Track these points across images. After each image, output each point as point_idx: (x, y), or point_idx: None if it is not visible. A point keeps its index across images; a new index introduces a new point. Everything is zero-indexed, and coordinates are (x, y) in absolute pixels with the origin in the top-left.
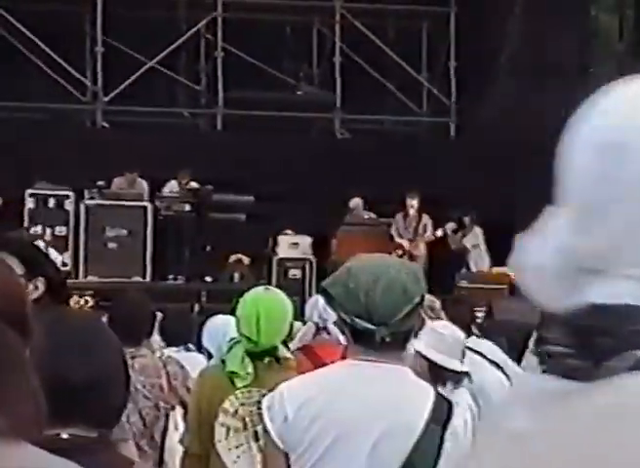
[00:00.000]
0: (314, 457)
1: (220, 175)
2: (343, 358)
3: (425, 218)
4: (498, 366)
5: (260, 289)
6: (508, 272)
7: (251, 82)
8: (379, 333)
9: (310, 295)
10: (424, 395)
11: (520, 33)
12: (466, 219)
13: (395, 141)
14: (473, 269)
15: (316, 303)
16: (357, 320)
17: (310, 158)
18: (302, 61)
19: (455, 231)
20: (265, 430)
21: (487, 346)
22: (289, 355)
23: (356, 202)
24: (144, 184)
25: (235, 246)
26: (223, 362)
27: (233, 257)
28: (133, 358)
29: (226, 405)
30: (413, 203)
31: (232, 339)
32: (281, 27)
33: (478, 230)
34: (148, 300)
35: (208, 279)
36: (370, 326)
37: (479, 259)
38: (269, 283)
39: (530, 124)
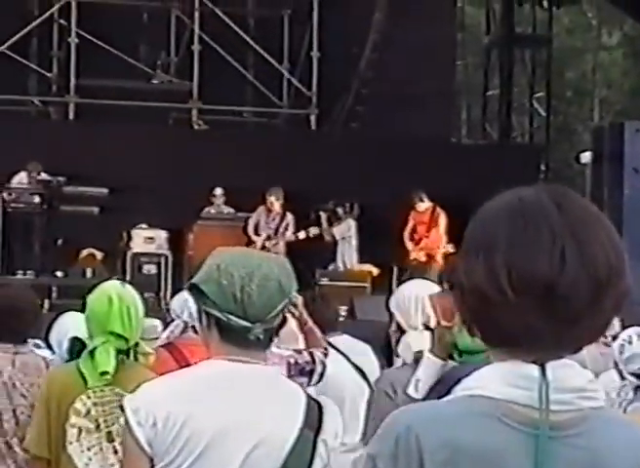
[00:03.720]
0: (184, 466)
1: (73, 166)
2: (209, 357)
3: (289, 217)
4: (357, 368)
5: (118, 283)
6: (371, 269)
7: (105, 70)
8: (253, 331)
9: (166, 292)
10: (297, 399)
11: (386, 23)
12: (340, 210)
13: (255, 133)
14: (339, 262)
15: (186, 301)
16: (232, 317)
17: (167, 149)
18: (160, 49)
19: (329, 222)
20: (132, 434)
21: (350, 345)
22: (150, 350)
23: (220, 192)
24: None
25: (88, 240)
26: (71, 359)
27: (85, 252)
28: (15, 354)
29: (78, 405)
30: (271, 200)
31: (77, 338)
32: (138, 13)
33: (352, 222)
34: (34, 294)
35: (59, 274)
36: (246, 323)
37: (347, 253)
38: (124, 278)
39: (389, 120)
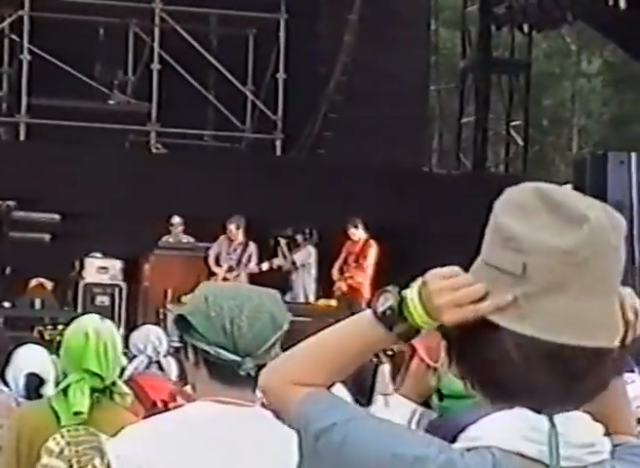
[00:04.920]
0: None
1: (23, 190)
2: (172, 395)
3: (252, 247)
4: None
5: (96, 318)
6: (334, 304)
7: (58, 89)
8: (244, 366)
9: (119, 324)
10: (290, 442)
11: (355, 45)
12: (299, 237)
13: (216, 158)
14: (300, 292)
15: (148, 335)
16: (221, 351)
17: (123, 174)
18: (117, 68)
19: (288, 249)
20: None
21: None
22: (127, 390)
23: (178, 220)
24: None
25: (38, 269)
26: (28, 396)
27: (34, 282)
28: None
29: (51, 444)
30: (231, 228)
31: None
32: (94, 29)
33: (312, 249)
34: (3, 330)
35: (6, 304)
36: (236, 357)
37: (307, 281)
38: (75, 310)
39: (357, 146)
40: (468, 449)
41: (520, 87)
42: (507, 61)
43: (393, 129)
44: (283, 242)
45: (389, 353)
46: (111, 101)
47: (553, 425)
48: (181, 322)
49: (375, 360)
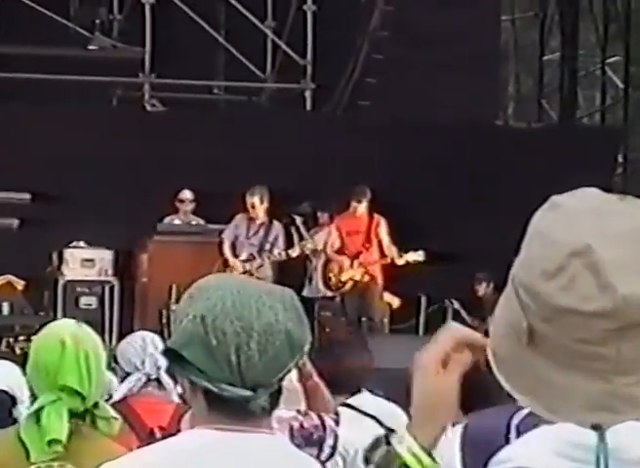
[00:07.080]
0: None
1: None
2: (173, 418)
3: (277, 227)
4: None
5: (72, 322)
6: (391, 300)
7: (25, 33)
8: (255, 401)
9: (111, 332)
10: None
11: None
12: (325, 215)
13: (229, 116)
14: (318, 280)
15: (145, 347)
16: (227, 387)
17: (110, 139)
18: (98, 4)
19: (306, 229)
20: None
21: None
22: (114, 414)
23: (189, 196)
24: None
25: (3, 263)
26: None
27: (0, 280)
28: None
29: None
30: (254, 201)
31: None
32: None
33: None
34: None
35: None
36: (245, 392)
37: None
38: (54, 315)
39: (410, 95)
40: None
41: (617, 13)
42: None
43: (456, 72)
44: (299, 220)
45: None
46: (93, 47)
47: (602, 440)
48: (171, 355)
49: None
